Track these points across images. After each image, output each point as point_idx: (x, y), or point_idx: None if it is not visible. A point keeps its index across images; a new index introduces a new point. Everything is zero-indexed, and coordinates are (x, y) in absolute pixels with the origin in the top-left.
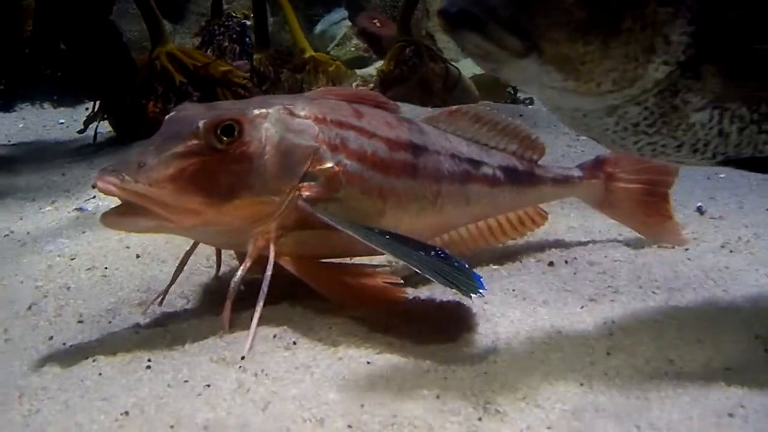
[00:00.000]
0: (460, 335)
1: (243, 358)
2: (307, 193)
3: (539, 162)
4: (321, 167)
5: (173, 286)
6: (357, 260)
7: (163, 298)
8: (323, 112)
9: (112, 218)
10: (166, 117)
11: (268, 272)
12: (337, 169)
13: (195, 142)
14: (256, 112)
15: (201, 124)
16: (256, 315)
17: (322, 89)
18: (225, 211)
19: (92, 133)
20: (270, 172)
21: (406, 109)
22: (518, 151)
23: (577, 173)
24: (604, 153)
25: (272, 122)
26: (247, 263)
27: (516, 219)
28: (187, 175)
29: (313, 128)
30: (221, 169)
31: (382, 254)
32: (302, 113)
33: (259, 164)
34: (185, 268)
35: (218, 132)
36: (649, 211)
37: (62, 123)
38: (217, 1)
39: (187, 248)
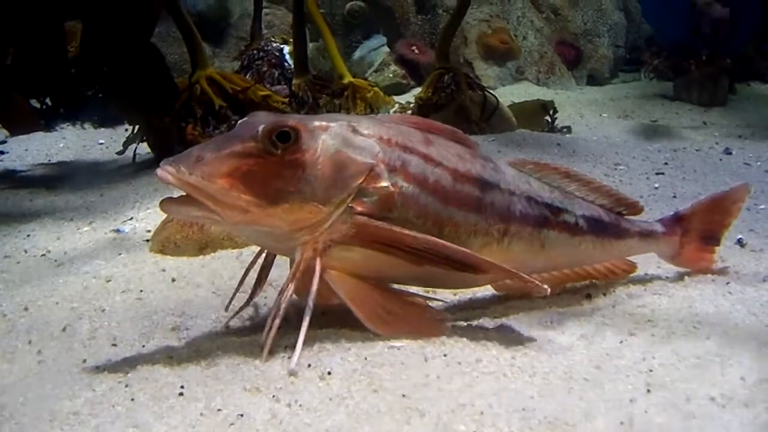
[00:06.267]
0: (498, 369)
1: (291, 374)
2: (359, 209)
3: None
4: (376, 185)
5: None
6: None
7: (229, 304)
8: (390, 134)
9: (168, 205)
10: (240, 120)
11: (314, 285)
12: (392, 189)
13: (253, 144)
14: (317, 123)
15: (261, 128)
16: (304, 325)
17: (399, 115)
18: (272, 213)
19: (131, 154)
20: (321, 181)
21: None
22: (608, 205)
23: (660, 228)
24: (682, 208)
25: (331, 135)
26: (296, 273)
27: (603, 268)
28: (240, 174)
29: (373, 147)
30: (274, 173)
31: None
32: (366, 132)
33: (311, 173)
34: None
35: (275, 137)
36: (702, 255)
37: (102, 144)
38: (257, 26)
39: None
